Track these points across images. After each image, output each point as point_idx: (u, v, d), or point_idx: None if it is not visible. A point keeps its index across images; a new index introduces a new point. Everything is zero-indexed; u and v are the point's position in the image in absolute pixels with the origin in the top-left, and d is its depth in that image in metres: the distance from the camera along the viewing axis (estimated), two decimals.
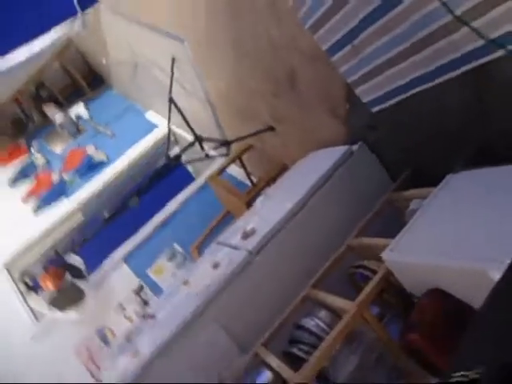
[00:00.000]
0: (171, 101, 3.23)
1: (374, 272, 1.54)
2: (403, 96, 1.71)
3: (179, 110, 3.25)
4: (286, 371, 1.46)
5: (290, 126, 2.66)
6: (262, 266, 1.84)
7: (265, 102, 2.70)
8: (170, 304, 2.01)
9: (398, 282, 1.43)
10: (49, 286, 2.86)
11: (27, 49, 3.45)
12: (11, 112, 5.46)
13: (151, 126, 4.88)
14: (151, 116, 5.05)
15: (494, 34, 1.26)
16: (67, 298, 2.92)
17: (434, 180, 1.64)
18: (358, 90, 1.87)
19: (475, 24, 1.29)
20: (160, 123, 4.89)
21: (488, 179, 1.34)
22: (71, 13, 3.42)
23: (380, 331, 1.39)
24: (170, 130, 3.23)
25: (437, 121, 1.69)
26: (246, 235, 2.02)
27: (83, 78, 5.67)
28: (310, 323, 1.60)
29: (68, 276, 2.96)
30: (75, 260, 3.01)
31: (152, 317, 1.98)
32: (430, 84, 1.57)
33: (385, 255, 1.40)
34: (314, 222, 1.96)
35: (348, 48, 1.74)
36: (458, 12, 1.31)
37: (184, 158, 3.33)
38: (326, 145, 2.35)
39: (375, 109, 1.86)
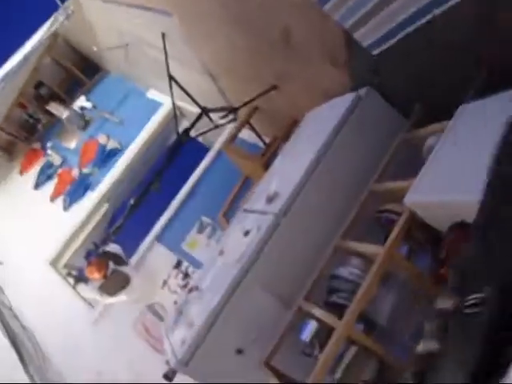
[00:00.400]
0: (171, 78, 3.22)
1: (399, 214, 1.59)
2: (403, 33, 1.67)
3: (180, 86, 3.25)
4: (329, 318, 1.57)
5: (293, 82, 2.63)
6: (291, 225, 1.92)
7: (263, 62, 2.66)
8: (210, 275, 2.14)
9: (423, 220, 1.48)
10: (96, 276, 3.06)
11: (18, 55, 3.45)
12: (18, 117, 5.53)
13: (156, 105, 4.88)
14: (153, 94, 5.03)
15: None
16: (115, 284, 3.13)
17: (448, 112, 1.63)
18: (356, 35, 1.83)
19: None
20: (163, 100, 4.88)
21: (498, 107, 1.33)
22: (53, 8, 3.37)
23: (411, 269, 1.47)
24: (175, 108, 3.24)
25: (443, 41, 1.63)
26: (271, 199, 2.08)
27: (78, 69, 5.63)
28: (345, 272, 1.69)
29: (111, 264, 3.15)
30: (114, 248, 3.19)
31: (197, 288, 2.12)
32: (429, 17, 1.53)
33: (407, 199, 1.45)
34: (334, 173, 2.00)
35: None
36: None
37: (193, 131, 3.37)
38: (332, 95, 2.33)
39: (376, 51, 1.82)
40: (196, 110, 3.27)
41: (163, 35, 3.19)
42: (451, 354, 0.61)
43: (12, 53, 3.42)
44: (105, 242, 2.91)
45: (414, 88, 1.95)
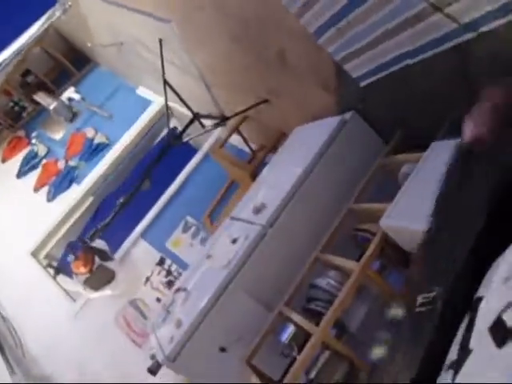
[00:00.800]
0: (165, 82, 3.32)
1: (374, 234, 1.79)
2: (390, 70, 1.85)
3: (174, 90, 3.35)
4: (306, 324, 1.75)
5: (285, 99, 2.79)
6: (276, 236, 2.08)
7: (258, 77, 2.81)
8: (197, 277, 2.29)
9: (395, 242, 1.67)
10: (82, 270, 3.14)
11: (12, 47, 3.48)
12: (3, 104, 5.48)
13: (145, 103, 4.95)
14: (143, 92, 5.10)
15: (465, 20, 1.40)
16: (100, 278, 3.22)
17: (426, 143, 1.82)
18: (346, 67, 2.01)
19: (449, 10, 1.42)
20: (153, 99, 4.95)
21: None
22: (51, 3, 3.40)
23: (382, 285, 1.66)
24: (168, 110, 3.35)
25: (424, 85, 1.83)
26: (258, 210, 2.24)
27: (67, 59, 5.62)
28: (323, 282, 1.88)
29: (96, 259, 3.24)
30: (99, 244, 3.27)
31: (184, 289, 2.26)
32: (415, 59, 1.71)
33: (382, 222, 1.63)
34: (318, 189, 2.17)
35: (333, 31, 1.85)
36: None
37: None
38: (320, 115, 2.51)
39: (364, 83, 2.00)
40: (186, 113, 3.39)
41: (160, 41, 3.29)
42: (398, 355, 0.74)
43: (6, 45, 3.44)
44: (92, 238, 2.99)
45: (396, 117, 2.15)
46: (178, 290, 2.35)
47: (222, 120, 3.30)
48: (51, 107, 5.08)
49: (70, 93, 5.24)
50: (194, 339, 1.90)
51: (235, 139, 3.92)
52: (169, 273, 3.65)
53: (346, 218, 2.03)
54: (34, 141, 5.14)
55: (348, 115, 2.30)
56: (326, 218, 2.11)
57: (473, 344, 0.27)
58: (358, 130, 2.29)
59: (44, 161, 4.96)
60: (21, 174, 5.01)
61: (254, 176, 3.25)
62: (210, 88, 3.50)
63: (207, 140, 4.24)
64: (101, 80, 5.49)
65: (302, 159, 2.25)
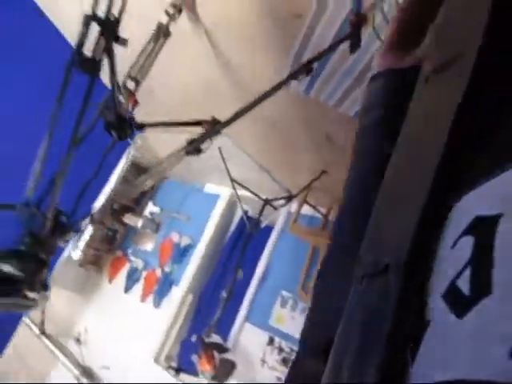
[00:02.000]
0: (233, 181, 3.81)
1: None
2: None
3: (241, 184, 3.82)
4: None
5: (339, 169, 3.11)
6: None
7: (312, 156, 3.18)
8: None
9: None
10: (207, 367, 3.45)
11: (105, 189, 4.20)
12: (98, 234, 6.36)
13: (214, 198, 5.51)
14: (209, 188, 5.70)
15: None
16: (224, 371, 3.49)
17: None
18: (340, 109, 2.28)
19: None
20: (219, 191, 5.51)
21: None
22: (125, 148, 4.15)
23: None
24: (244, 213, 3.77)
25: None
26: None
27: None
28: None
29: (216, 354, 3.55)
30: (215, 338, 3.60)
31: None
32: None
33: None
34: None
35: None
36: None
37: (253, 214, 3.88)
38: None
39: None
40: (250, 196, 3.81)
41: (220, 149, 3.84)
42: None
43: (100, 190, 4.17)
44: (208, 334, 3.32)
45: None
46: None
47: (291, 198, 3.66)
48: (139, 224, 5.83)
49: (150, 207, 6.00)
50: None
51: (304, 209, 4.24)
52: (281, 350, 3.84)
53: None
54: (131, 257, 5.84)
55: None
56: None
57: (428, 315, 0.24)
58: None
59: (144, 273, 5.59)
60: (127, 288, 5.65)
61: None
62: (269, 173, 3.92)
63: (278, 218, 4.60)
64: (172, 189, 6.23)
65: None
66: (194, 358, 3.52)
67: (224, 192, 5.42)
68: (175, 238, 5.43)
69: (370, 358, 0.26)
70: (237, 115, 1.56)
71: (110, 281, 6.02)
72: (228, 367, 3.52)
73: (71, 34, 3.07)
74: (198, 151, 1.66)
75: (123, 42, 1.70)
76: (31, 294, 1.71)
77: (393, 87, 0.47)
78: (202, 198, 5.67)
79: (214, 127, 1.60)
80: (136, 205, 6.33)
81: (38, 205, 1.81)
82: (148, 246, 5.90)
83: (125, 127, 1.87)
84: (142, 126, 2.12)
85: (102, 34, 1.63)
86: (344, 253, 0.44)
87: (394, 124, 0.40)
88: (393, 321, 0.26)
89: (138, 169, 5.80)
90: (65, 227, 1.87)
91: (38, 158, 1.81)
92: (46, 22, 3.28)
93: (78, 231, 2.09)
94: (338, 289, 0.41)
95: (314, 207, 4.03)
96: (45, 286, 1.78)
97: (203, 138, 1.60)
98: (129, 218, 5.99)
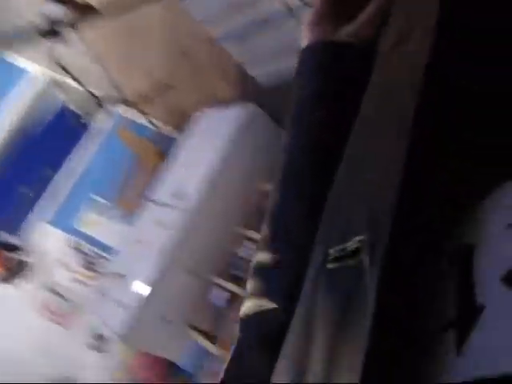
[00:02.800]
0: (57, 64, 3.18)
1: None
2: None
3: (67, 71, 3.25)
4: (235, 288, 2.21)
5: (187, 85, 3.00)
6: (198, 218, 2.44)
7: (158, 63, 2.94)
8: (132, 262, 2.54)
9: None
10: None
11: None
12: None
13: (19, 72, 4.48)
14: (14, 59, 4.58)
15: None
16: (15, 272, 3.16)
17: None
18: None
19: None
20: (29, 67, 4.51)
21: None
22: None
23: None
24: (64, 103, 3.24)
25: None
26: (179, 194, 2.54)
27: None
28: (243, 252, 2.34)
29: (5, 253, 3.15)
30: (4, 237, 3.17)
31: (120, 275, 2.50)
32: None
33: None
34: (232, 175, 2.54)
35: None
36: None
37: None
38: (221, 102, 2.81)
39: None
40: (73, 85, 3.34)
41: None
42: None
43: None
44: None
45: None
46: (113, 275, 2.58)
47: (125, 101, 3.36)
48: None
49: None
50: (142, 316, 2.23)
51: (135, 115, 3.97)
52: (83, 253, 3.72)
53: (259, 198, 2.48)
54: None
55: (249, 107, 2.65)
56: (242, 198, 2.52)
57: (481, 299, 0.21)
58: (259, 120, 2.68)
59: None
60: None
61: (160, 155, 3.46)
62: (108, 70, 3.46)
63: (107, 119, 4.17)
64: None
65: (213, 149, 2.58)
66: None
67: (37, 70, 4.47)
68: None
69: None
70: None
71: None
72: (19, 267, 3.21)
73: None
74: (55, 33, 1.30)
75: None
76: None
77: (326, 61, 0.46)
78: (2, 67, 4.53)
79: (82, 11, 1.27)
80: None
81: None
82: None
83: None
84: None
85: None
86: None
87: (329, 96, 0.43)
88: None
89: None
90: None
91: None
92: None
93: None
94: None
95: (148, 119, 3.82)
96: None
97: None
98: None
